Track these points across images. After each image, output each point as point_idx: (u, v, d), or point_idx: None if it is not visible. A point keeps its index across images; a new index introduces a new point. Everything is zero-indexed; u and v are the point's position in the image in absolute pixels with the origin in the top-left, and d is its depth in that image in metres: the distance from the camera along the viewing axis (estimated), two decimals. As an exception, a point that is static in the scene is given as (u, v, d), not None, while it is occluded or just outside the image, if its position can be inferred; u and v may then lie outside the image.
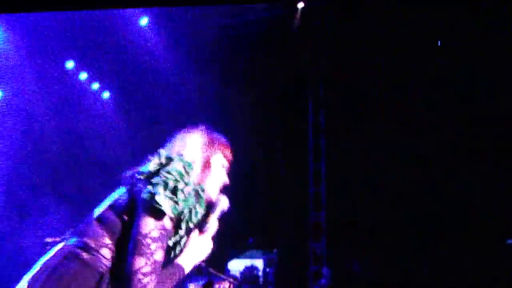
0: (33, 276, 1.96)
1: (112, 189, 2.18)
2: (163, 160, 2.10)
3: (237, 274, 7.67)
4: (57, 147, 7.06)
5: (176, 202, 2.02)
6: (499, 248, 6.31)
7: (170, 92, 7.25)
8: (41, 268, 1.98)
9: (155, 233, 1.99)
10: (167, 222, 2.02)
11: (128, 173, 2.17)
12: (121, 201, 2.10)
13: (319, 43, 7.18)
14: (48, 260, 2.01)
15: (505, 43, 6.05)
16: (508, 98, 6.31)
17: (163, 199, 1.99)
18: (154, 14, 6.79)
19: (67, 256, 1.99)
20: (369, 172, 7.10)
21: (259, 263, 7.79)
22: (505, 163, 6.45)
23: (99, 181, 7.15)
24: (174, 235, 2.08)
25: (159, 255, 1.99)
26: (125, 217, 2.04)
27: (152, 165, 2.09)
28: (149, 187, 2.02)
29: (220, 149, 2.26)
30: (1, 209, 6.69)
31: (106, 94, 7.57)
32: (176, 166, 2.07)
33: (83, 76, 7.18)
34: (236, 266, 7.72)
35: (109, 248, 2.01)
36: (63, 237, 2.10)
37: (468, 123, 6.63)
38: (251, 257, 7.75)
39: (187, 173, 2.07)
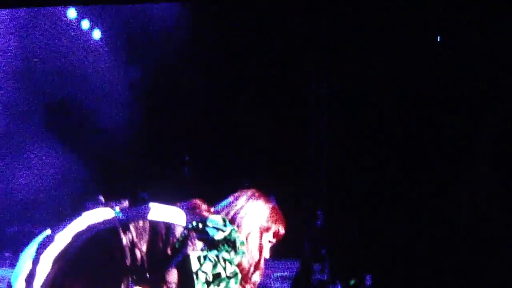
0: (78, 232, 2.07)
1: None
2: (231, 239, 2.12)
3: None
4: (46, 86, 6.93)
5: (208, 284, 2.05)
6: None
7: (164, 34, 7.05)
8: (87, 227, 2.09)
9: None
10: None
11: (192, 205, 2.25)
12: (175, 231, 2.12)
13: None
14: (95, 223, 2.11)
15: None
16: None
17: (201, 276, 2.03)
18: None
19: (112, 230, 2.08)
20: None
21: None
22: (506, 164, 6.43)
23: (86, 123, 7.06)
24: None
25: None
26: (169, 251, 2.09)
27: (220, 235, 2.10)
28: (201, 255, 2.06)
29: (275, 226, 2.30)
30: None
31: (96, 34, 7.34)
32: (235, 260, 2.11)
33: (72, 13, 6.94)
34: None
35: (140, 253, 2.08)
36: (114, 204, 2.20)
37: (470, 120, 6.61)
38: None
39: (238, 273, 2.11)
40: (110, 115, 6.98)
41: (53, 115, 7.09)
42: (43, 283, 2.01)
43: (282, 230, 2.34)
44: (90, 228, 2.08)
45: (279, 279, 6.26)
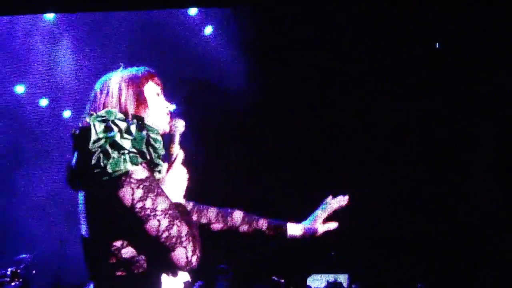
0: None
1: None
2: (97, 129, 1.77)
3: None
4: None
5: (123, 153, 1.71)
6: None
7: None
8: None
9: (139, 193, 1.71)
10: (140, 173, 1.74)
11: None
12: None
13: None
14: None
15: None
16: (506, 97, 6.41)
17: (115, 160, 1.71)
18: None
19: None
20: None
21: (343, 278, 7.46)
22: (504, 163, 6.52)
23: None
24: (157, 173, 1.86)
25: (162, 204, 1.73)
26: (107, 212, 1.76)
27: (91, 143, 1.73)
28: (99, 160, 1.71)
29: (147, 79, 2.01)
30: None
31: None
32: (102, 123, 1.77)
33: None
34: (318, 282, 7.45)
35: (128, 246, 1.76)
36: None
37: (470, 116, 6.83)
38: (334, 272, 7.44)
39: (114, 119, 1.78)
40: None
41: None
42: None
43: (157, 79, 2.04)
44: None
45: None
